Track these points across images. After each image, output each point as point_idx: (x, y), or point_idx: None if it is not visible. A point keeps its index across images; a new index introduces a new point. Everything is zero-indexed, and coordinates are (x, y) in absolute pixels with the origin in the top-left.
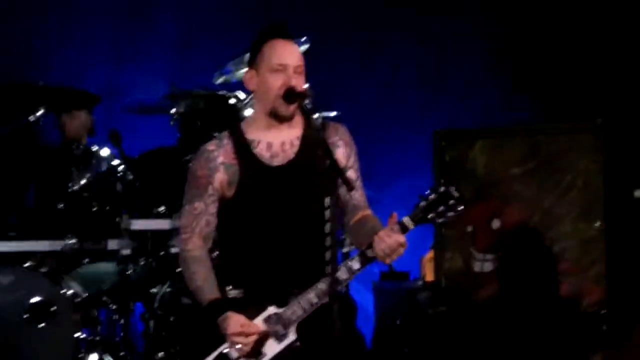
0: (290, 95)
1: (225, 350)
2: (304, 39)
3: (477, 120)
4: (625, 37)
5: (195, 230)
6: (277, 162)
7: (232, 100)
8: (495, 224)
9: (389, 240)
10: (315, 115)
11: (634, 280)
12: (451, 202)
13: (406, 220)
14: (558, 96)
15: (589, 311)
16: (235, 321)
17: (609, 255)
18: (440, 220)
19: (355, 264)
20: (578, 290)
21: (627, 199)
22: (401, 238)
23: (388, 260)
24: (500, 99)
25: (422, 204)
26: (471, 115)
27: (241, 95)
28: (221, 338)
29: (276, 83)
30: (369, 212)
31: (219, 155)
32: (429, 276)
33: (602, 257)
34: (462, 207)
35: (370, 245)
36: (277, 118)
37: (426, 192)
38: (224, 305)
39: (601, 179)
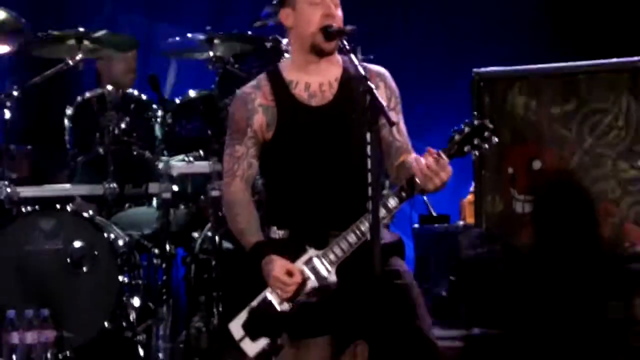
0: (328, 32)
1: (268, 296)
2: None
3: (515, 62)
4: None
5: (237, 173)
6: (315, 102)
7: (270, 44)
8: (536, 164)
9: (429, 161)
10: (356, 57)
11: None
12: (486, 134)
13: (441, 153)
14: (598, 35)
15: (630, 253)
16: (280, 265)
17: None
18: (475, 153)
19: (392, 200)
20: (619, 231)
21: None
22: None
23: (430, 185)
24: (539, 40)
25: (457, 137)
26: (510, 58)
27: (280, 39)
28: (263, 283)
29: (315, 15)
30: (413, 154)
31: (257, 98)
32: (469, 219)
33: None
34: (496, 139)
35: (408, 180)
36: (317, 53)
37: (461, 126)
38: (268, 247)
39: None
